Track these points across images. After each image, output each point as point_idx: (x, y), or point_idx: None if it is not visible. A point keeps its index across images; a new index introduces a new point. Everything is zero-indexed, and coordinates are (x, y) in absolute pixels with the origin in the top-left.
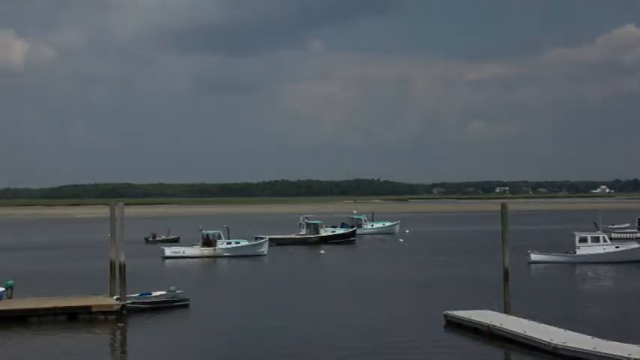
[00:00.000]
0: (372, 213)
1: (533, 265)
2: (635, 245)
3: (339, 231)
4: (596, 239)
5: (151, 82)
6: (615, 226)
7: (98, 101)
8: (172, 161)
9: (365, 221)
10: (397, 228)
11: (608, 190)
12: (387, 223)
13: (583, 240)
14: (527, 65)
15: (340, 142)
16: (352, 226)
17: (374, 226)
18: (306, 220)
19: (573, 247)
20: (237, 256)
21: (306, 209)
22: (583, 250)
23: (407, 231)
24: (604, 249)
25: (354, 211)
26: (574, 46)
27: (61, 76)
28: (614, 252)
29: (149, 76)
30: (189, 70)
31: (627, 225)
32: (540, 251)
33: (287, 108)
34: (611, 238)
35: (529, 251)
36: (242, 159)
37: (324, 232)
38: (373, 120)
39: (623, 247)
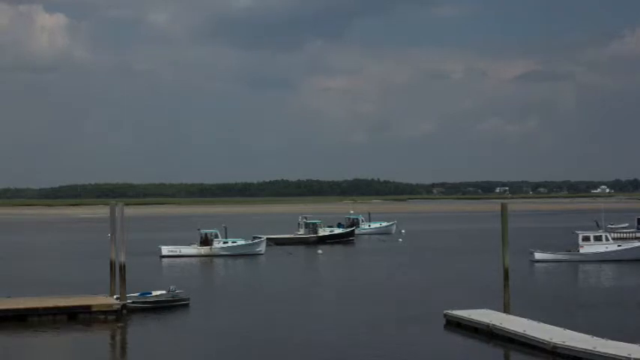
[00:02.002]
0: (369, 213)
1: (537, 264)
2: (637, 244)
3: (337, 231)
4: (598, 238)
5: (159, 80)
6: (614, 226)
7: (100, 100)
8: (172, 161)
9: (362, 221)
10: (394, 228)
11: (608, 190)
12: (384, 223)
13: (586, 239)
14: (529, 65)
15: (342, 142)
16: (349, 226)
17: (370, 226)
18: (304, 220)
19: (576, 246)
20: (234, 255)
21: (306, 209)
22: (586, 248)
23: (402, 231)
24: (607, 247)
25: (351, 211)
26: (583, 45)
27: (66, 73)
28: (617, 250)
29: (156, 74)
30: (199, 68)
31: (626, 224)
32: (544, 250)
33: (289, 108)
34: (613, 238)
35: (531, 250)
36: (242, 159)
37: (323, 231)
38: (379, 120)
39: (625, 245)
